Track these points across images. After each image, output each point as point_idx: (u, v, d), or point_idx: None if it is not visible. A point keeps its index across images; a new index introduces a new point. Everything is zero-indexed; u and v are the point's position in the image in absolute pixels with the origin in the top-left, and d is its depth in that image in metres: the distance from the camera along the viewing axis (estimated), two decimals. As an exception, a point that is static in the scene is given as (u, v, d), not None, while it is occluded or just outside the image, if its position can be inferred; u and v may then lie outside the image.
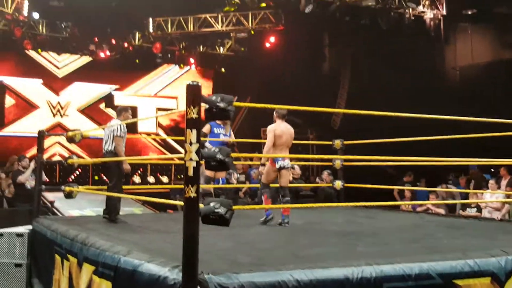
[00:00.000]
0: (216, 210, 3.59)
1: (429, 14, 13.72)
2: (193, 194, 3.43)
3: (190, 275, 3.32)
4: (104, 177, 7.27)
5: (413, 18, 13.47)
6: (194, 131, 3.49)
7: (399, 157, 5.67)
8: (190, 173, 3.46)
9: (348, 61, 16.63)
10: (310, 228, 6.29)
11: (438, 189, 10.31)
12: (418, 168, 10.67)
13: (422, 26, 13.64)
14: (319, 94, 15.61)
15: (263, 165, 6.91)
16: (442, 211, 9.43)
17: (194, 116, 3.51)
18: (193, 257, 3.36)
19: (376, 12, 13.32)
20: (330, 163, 9.08)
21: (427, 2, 13.73)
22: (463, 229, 6.13)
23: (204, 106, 3.67)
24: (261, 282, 3.40)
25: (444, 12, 13.87)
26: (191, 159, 3.46)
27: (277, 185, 6.82)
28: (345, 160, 8.65)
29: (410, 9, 13.40)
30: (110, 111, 16.66)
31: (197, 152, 3.48)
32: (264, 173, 6.78)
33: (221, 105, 3.73)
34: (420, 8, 13.60)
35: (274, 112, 6.72)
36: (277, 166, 6.58)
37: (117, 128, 6.83)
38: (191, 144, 3.47)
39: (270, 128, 6.60)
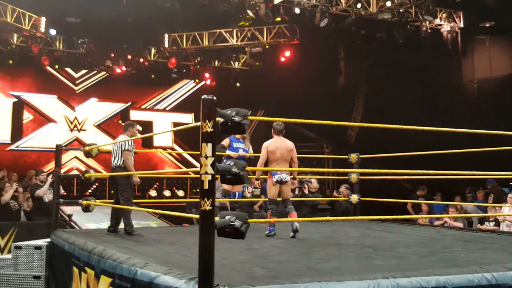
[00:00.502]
0: (232, 223, 3.61)
1: (446, 27, 13.71)
2: (208, 207, 3.46)
3: (206, 287, 3.34)
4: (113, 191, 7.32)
5: (429, 31, 13.46)
6: (210, 145, 3.52)
7: (415, 171, 5.63)
8: (206, 186, 3.49)
9: (364, 74, 16.63)
10: (326, 241, 6.27)
11: (455, 203, 10.20)
12: (434, 182, 10.59)
13: (439, 39, 13.62)
14: (334, 108, 15.62)
15: (258, 179, 7.63)
16: (460, 224, 9.32)
17: (209, 129, 3.54)
18: (209, 270, 3.38)
19: (392, 25, 13.33)
20: (346, 177, 9.07)
21: (444, 15, 13.71)
22: (480, 243, 6.06)
23: (219, 120, 3.71)
24: (277, 295, 3.40)
25: (462, 24, 13.84)
26: (206, 173, 3.49)
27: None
28: (361, 174, 8.63)
29: (427, 22, 13.39)
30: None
31: (213, 165, 3.51)
32: (267, 189, 7.06)
33: (236, 118, 3.76)
34: (437, 21, 13.59)
35: (272, 128, 6.95)
36: (274, 180, 6.81)
37: (125, 143, 6.91)
38: (206, 157, 3.50)
39: (264, 145, 6.85)
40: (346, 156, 8.97)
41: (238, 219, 3.63)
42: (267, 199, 10.80)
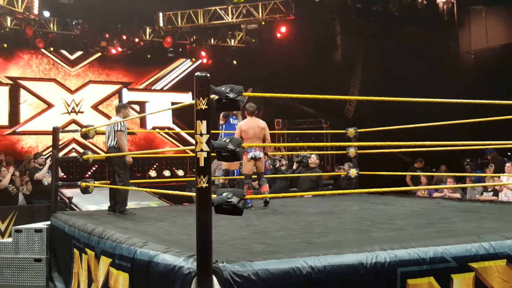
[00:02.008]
0: (229, 200, 3.62)
1: (441, -1, 13.55)
2: (205, 184, 3.45)
3: (204, 263, 3.35)
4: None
5: (425, 2, 13.31)
6: (204, 122, 3.50)
7: (413, 143, 5.63)
8: (202, 163, 3.48)
9: (361, 48, 16.51)
10: (325, 216, 6.29)
11: (453, 174, 10.23)
12: (433, 154, 10.60)
13: (435, 10, 13.46)
14: (332, 83, 15.56)
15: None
16: (457, 195, 9.36)
17: (204, 107, 3.52)
18: (207, 246, 3.39)
19: (388, -2, 13.22)
20: (344, 152, 9.08)
21: (439, -14, 13.54)
22: (478, 213, 6.08)
23: (213, 97, 3.69)
24: (275, 269, 3.42)
25: (457, -5, 13.68)
26: (202, 150, 3.48)
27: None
28: (359, 148, 8.63)
29: (422, -6, 13.25)
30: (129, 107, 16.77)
31: (208, 142, 3.49)
32: (243, 165, 7.52)
33: (231, 95, 3.74)
34: (433, -8, 13.43)
35: (245, 109, 7.43)
36: (249, 156, 7.29)
37: (118, 124, 7.02)
38: (201, 135, 3.49)
39: (238, 125, 7.56)
40: (343, 131, 8.97)
41: (235, 196, 3.64)
42: (269, 175, 10.96)
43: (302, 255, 3.57)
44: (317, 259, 3.53)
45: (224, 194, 3.64)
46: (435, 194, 9.71)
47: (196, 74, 3.60)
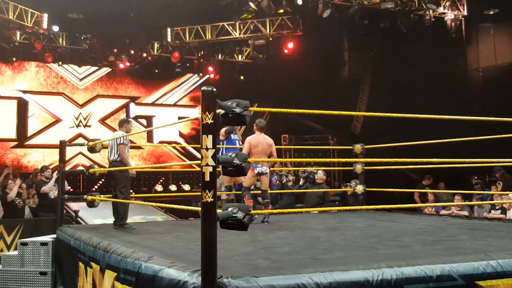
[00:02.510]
0: (234, 215, 3.59)
1: (450, 15, 13.57)
2: (210, 199, 3.44)
3: (209, 279, 3.33)
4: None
5: (433, 19, 13.35)
6: (210, 137, 3.50)
7: (420, 159, 5.59)
8: (207, 178, 3.46)
9: (368, 65, 16.54)
10: (331, 232, 6.25)
11: (460, 191, 10.15)
12: (440, 172, 10.54)
13: (443, 27, 13.50)
14: (339, 99, 15.56)
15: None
16: (465, 213, 9.28)
17: (210, 121, 3.52)
18: (212, 261, 3.37)
19: (396, 15, 13.25)
20: (351, 168, 9.04)
21: (447, 3, 13.58)
22: (486, 231, 6.03)
23: (220, 111, 3.69)
24: (280, 285, 3.39)
25: (465, 12, 13.70)
26: (207, 164, 3.47)
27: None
28: (366, 165, 8.60)
29: (430, 11, 13.28)
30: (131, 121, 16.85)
31: (213, 157, 3.49)
32: (245, 178, 7.48)
33: (237, 110, 3.73)
34: (441, 9, 13.46)
35: (254, 125, 7.48)
36: (256, 172, 7.32)
37: (121, 138, 7.08)
38: (207, 149, 3.48)
39: (247, 139, 7.45)
40: (350, 147, 8.95)
41: (241, 211, 3.61)
42: (272, 191, 10.95)
43: (308, 271, 3.54)
44: (322, 275, 3.50)
45: (230, 209, 3.62)
46: (443, 212, 9.64)
47: (202, 88, 3.62)
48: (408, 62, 14.46)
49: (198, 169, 16.87)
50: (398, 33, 13.55)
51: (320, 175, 10.02)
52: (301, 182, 10.79)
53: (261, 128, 7.45)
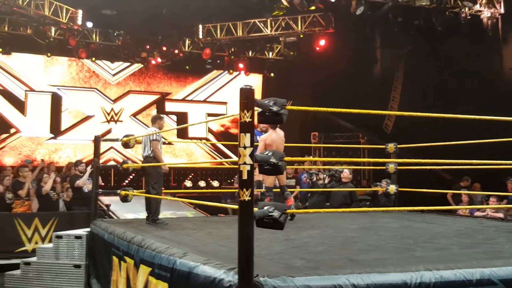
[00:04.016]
0: (270, 214, 3.58)
1: (486, 13, 13.27)
2: (247, 198, 3.43)
3: (246, 277, 3.32)
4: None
5: (469, 17, 13.07)
6: (248, 135, 3.49)
7: (455, 161, 5.48)
8: (244, 176, 3.46)
9: (401, 63, 16.28)
10: (364, 232, 6.18)
11: (496, 193, 9.93)
12: (474, 172, 10.33)
13: (479, 25, 13.21)
14: (370, 97, 15.38)
15: None
16: (500, 215, 9.08)
17: (248, 120, 3.51)
18: (248, 260, 3.36)
19: (431, 12, 13.00)
20: (383, 167, 8.93)
21: (484, 1, 13.27)
22: (525, 235, 5.89)
23: (257, 110, 3.68)
24: (317, 286, 3.36)
25: (502, 10, 13.39)
26: (245, 163, 3.46)
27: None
28: (399, 164, 8.48)
29: (466, 8, 13.00)
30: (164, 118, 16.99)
31: (251, 155, 3.48)
32: (265, 178, 7.36)
33: (274, 108, 3.72)
34: (477, 7, 13.17)
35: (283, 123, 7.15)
36: None
37: (154, 134, 7.18)
38: (245, 148, 3.47)
39: (262, 138, 7.36)
40: (383, 146, 8.84)
41: (277, 210, 3.60)
42: (302, 189, 10.88)
43: (344, 272, 3.51)
44: (359, 277, 3.46)
45: (266, 208, 3.61)
46: (477, 213, 9.46)
47: (241, 87, 3.60)
48: (442, 61, 14.18)
49: (227, 166, 16.95)
50: (432, 31, 13.30)
51: (345, 173, 9.88)
52: (326, 181, 10.70)
53: (275, 125, 7.29)
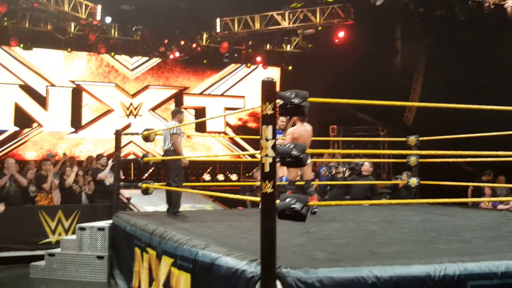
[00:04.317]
0: (292, 206, 3.58)
1: (510, 3, 13.00)
2: (269, 190, 3.44)
3: (268, 268, 3.33)
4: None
5: (493, 7, 12.81)
6: (270, 127, 3.49)
7: (479, 152, 5.41)
8: (267, 168, 3.46)
9: (422, 54, 16.06)
10: (386, 225, 6.15)
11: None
12: (498, 165, 10.18)
13: (503, 15, 12.96)
14: (391, 89, 15.24)
15: None
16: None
17: (270, 112, 3.51)
18: (271, 251, 3.37)
19: (453, 2, 12.77)
20: (404, 160, 8.86)
21: (508, -10, 13.03)
22: (549, 228, 5.82)
23: (279, 102, 3.67)
24: (340, 278, 3.36)
25: (528, -1, 13.12)
26: (267, 155, 3.46)
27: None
28: (421, 157, 8.41)
29: (490, -2, 12.77)
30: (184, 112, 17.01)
31: (273, 148, 3.48)
32: (288, 171, 7.39)
33: (296, 101, 3.71)
34: (501, -4, 12.94)
35: (306, 116, 7.02)
36: None
37: (174, 128, 7.24)
38: (267, 140, 3.47)
39: (289, 131, 7.26)
40: (403, 139, 8.76)
41: (299, 202, 3.59)
42: (321, 182, 10.85)
43: (367, 264, 3.50)
44: (383, 269, 3.45)
45: (287, 200, 3.61)
46: (500, 206, 9.34)
47: (262, 79, 3.60)
48: (465, 52, 13.95)
49: (246, 159, 16.92)
50: (455, 21, 13.08)
51: (366, 166, 9.83)
52: (346, 174, 10.65)
53: (302, 118, 7.17)
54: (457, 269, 3.54)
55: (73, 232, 8.59)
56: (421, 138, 8.36)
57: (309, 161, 7.12)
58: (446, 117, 11.16)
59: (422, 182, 8.48)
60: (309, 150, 6.92)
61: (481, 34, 13.34)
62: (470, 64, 13.53)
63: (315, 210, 7.06)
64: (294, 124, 7.38)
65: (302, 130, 7.17)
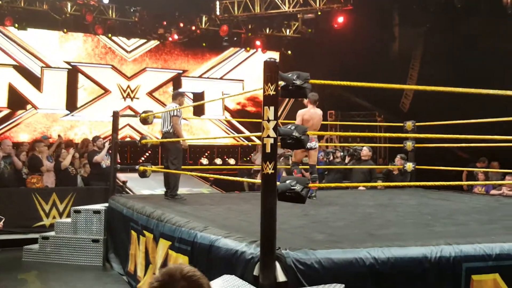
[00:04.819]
0: (293, 187, 3.60)
1: (506, -9, 13.01)
2: (270, 171, 3.45)
3: (268, 249, 3.36)
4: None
5: (489, -5, 12.83)
6: (272, 108, 3.49)
7: (475, 136, 5.44)
8: (268, 149, 3.47)
9: (419, 41, 16.05)
10: (383, 209, 6.20)
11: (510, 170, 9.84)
12: (491, 151, 10.23)
13: (499, 3, 12.95)
14: (388, 75, 15.17)
15: None
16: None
17: (272, 93, 3.52)
18: (271, 232, 3.39)
19: (451, -11, 12.79)
20: (400, 145, 8.90)
21: (504, -23, 13.00)
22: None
23: (281, 83, 3.68)
24: (339, 259, 3.40)
25: (523, -13, 13.11)
26: (268, 136, 3.47)
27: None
28: (417, 142, 8.45)
29: (487, -15, 12.76)
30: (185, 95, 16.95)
31: (275, 129, 3.48)
32: (294, 153, 7.48)
33: (298, 82, 3.72)
34: (498, -17, 12.91)
35: (307, 98, 7.00)
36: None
37: (174, 110, 7.19)
38: (268, 121, 3.48)
39: (300, 113, 7.21)
40: (400, 124, 8.80)
41: (299, 184, 3.62)
42: (319, 166, 10.89)
43: (365, 246, 3.54)
44: (380, 250, 3.49)
45: (288, 182, 3.63)
46: (493, 191, 9.41)
47: (265, 60, 3.61)
48: (462, 39, 13.96)
49: (243, 143, 16.87)
50: (452, 9, 13.08)
51: (365, 151, 9.89)
52: (346, 160, 10.71)
53: (314, 102, 7.21)
54: (452, 251, 3.59)
55: (68, 215, 8.43)
56: (418, 124, 8.39)
57: (316, 145, 7.22)
58: (442, 103, 11.20)
59: (417, 167, 8.52)
60: (310, 132, 6.97)
61: (478, 21, 13.34)
62: (466, 51, 13.55)
63: (314, 196, 7.07)
64: (305, 107, 7.34)
65: (313, 113, 7.19)
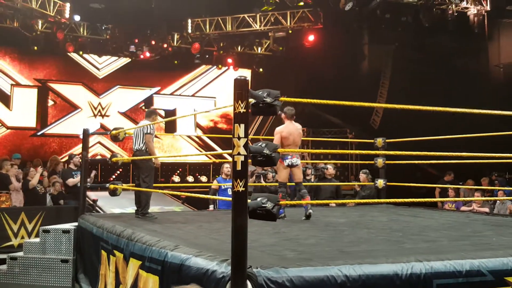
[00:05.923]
0: (263, 205, 3.58)
1: (472, 10, 13.41)
2: (241, 188, 3.43)
3: (239, 268, 3.32)
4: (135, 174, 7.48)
5: (456, 14, 13.18)
6: (242, 126, 3.48)
7: (444, 153, 5.53)
8: (238, 167, 3.45)
9: (389, 59, 16.38)
10: (354, 225, 6.22)
11: (482, 187, 10.06)
12: (460, 168, 10.44)
13: (465, 22, 13.33)
14: (358, 93, 15.43)
15: None
16: (486, 209, 9.20)
17: (242, 110, 3.51)
18: (242, 250, 3.36)
19: (418, 9, 13.10)
20: (371, 162, 8.99)
21: (471, -2, 13.44)
22: (511, 227, 5.98)
23: (251, 101, 3.68)
24: (310, 277, 3.38)
25: (488, 7, 13.54)
26: (239, 153, 3.46)
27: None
28: (387, 159, 8.55)
29: (453, 5, 13.12)
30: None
31: (245, 146, 3.48)
32: (278, 173, 7.11)
33: (268, 100, 3.73)
34: (464, 4, 13.31)
35: (282, 113, 6.93)
36: (286, 164, 6.86)
37: (147, 127, 7.09)
38: (239, 138, 3.47)
39: (277, 130, 6.92)
40: (371, 141, 8.89)
41: (270, 201, 3.60)
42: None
43: (337, 264, 3.53)
44: (352, 268, 3.49)
45: (259, 199, 3.61)
46: (463, 208, 9.57)
47: (235, 78, 3.60)
48: (429, 57, 14.31)
49: (216, 161, 16.83)
50: (420, 28, 13.40)
51: (330, 170, 9.86)
52: (312, 179, 10.69)
53: (291, 116, 6.91)
54: (423, 267, 3.61)
55: (37, 235, 8.28)
56: (388, 140, 8.50)
57: (298, 162, 6.95)
58: (412, 121, 11.40)
59: (388, 183, 8.61)
60: (281, 150, 6.91)
61: (445, 40, 13.70)
62: (434, 69, 13.87)
63: (285, 216, 6.91)
64: (282, 123, 7.05)
65: (292, 128, 6.89)
